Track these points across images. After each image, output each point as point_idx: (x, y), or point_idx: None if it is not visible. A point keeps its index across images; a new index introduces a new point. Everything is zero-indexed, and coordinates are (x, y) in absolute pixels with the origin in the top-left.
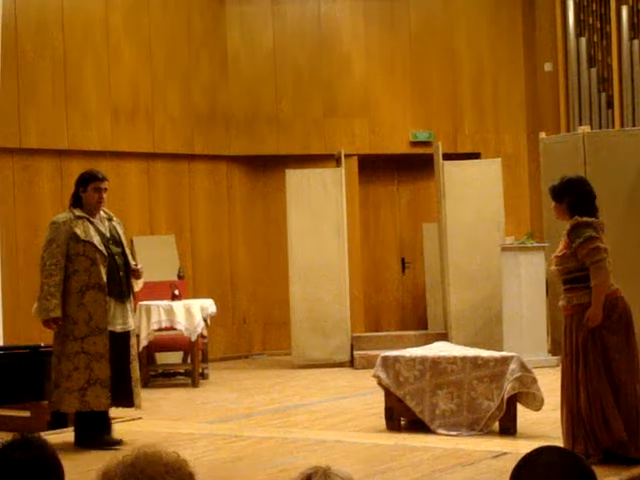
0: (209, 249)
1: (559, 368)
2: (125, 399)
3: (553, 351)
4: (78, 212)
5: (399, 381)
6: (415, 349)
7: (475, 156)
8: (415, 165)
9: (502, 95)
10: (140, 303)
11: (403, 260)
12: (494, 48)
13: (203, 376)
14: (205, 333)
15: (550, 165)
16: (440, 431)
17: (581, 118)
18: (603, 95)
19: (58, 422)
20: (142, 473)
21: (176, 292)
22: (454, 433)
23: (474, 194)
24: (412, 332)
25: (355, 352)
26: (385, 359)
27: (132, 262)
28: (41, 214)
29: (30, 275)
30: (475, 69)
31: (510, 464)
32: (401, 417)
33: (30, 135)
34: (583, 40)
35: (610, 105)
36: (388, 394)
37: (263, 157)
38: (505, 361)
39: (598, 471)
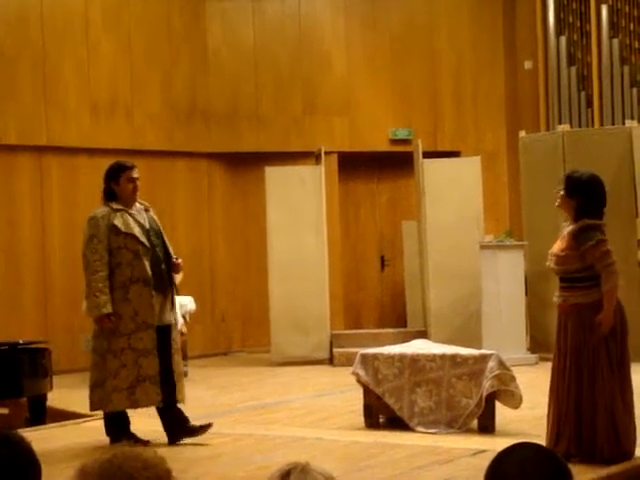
0: (188, 246)
1: (538, 366)
2: (169, 394)
3: (532, 349)
4: (115, 205)
5: (378, 378)
6: (394, 347)
7: (455, 154)
8: (395, 163)
9: (482, 93)
10: None
11: (383, 258)
12: (474, 46)
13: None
14: (184, 330)
15: (530, 163)
16: (419, 429)
17: (561, 116)
18: (583, 94)
19: (36, 419)
20: (120, 470)
21: None
22: (433, 431)
23: (454, 192)
24: (391, 330)
25: (334, 349)
26: (364, 356)
27: (173, 255)
28: (20, 211)
29: (9, 273)
30: (455, 67)
31: (488, 462)
32: (380, 414)
33: (9, 131)
34: (563, 39)
35: (590, 104)
36: (367, 391)
37: (243, 154)
38: (484, 359)
39: (576, 469)
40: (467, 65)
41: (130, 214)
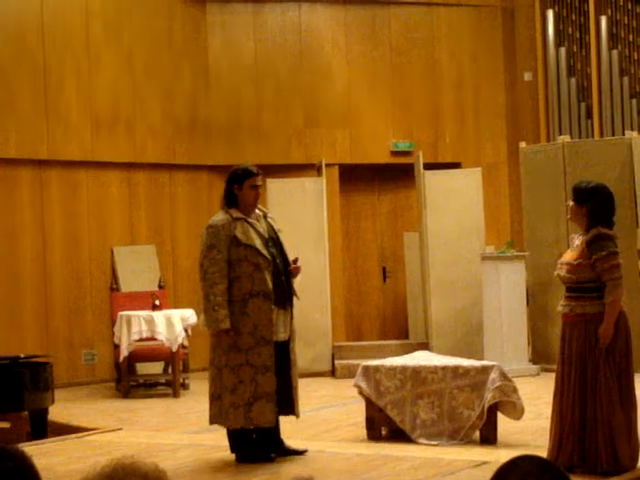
0: (190, 259)
1: (540, 377)
2: (288, 407)
3: (533, 360)
4: (235, 213)
5: (380, 391)
6: (396, 358)
7: (456, 166)
8: (396, 175)
9: (482, 105)
10: (120, 313)
11: (384, 269)
12: (474, 58)
13: (184, 386)
14: (186, 343)
15: (530, 174)
16: (421, 440)
17: (561, 127)
18: (583, 105)
19: (38, 433)
20: None
21: (157, 302)
22: (435, 442)
23: (455, 203)
24: (393, 341)
25: (336, 361)
26: (366, 369)
27: (290, 261)
28: (20, 225)
29: (9, 287)
30: (455, 79)
31: (490, 474)
32: (382, 427)
33: (9, 144)
34: (562, 50)
35: (589, 115)
36: (369, 404)
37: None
38: (485, 370)
39: None
40: (467, 77)
41: (250, 223)
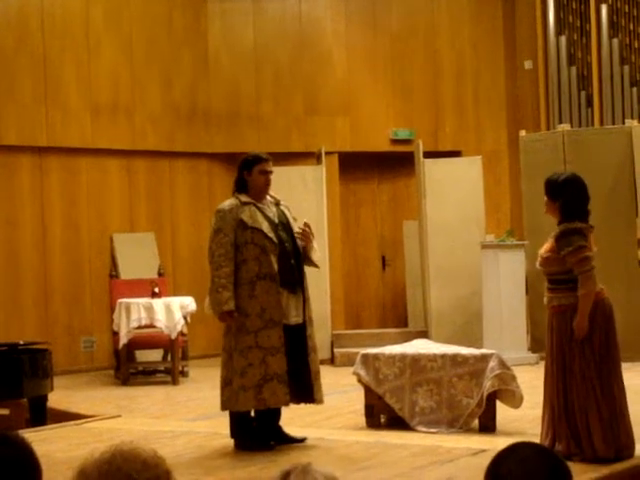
0: (189, 246)
1: (538, 365)
2: (304, 394)
3: (533, 348)
4: (244, 198)
5: (379, 378)
6: (395, 346)
7: (456, 154)
8: (396, 163)
9: (483, 93)
10: (120, 300)
11: (384, 258)
12: (475, 46)
13: (183, 374)
14: (185, 331)
15: (530, 163)
16: (420, 428)
17: (561, 116)
18: (583, 93)
19: (37, 420)
20: (119, 470)
21: (156, 290)
22: (434, 430)
23: (455, 192)
24: (392, 330)
25: (335, 350)
26: (365, 357)
27: (296, 229)
28: (20, 212)
29: (9, 274)
30: (456, 67)
31: (489, 461)
32: (381, 414)
33: (9, 131)
34: (563, 38)
35: (590, 103)
36: (368, 391)
37: (244, 154)
38: (485, 358)
39: (577, 468)
40: (467, 65)
41: (259, 208)
